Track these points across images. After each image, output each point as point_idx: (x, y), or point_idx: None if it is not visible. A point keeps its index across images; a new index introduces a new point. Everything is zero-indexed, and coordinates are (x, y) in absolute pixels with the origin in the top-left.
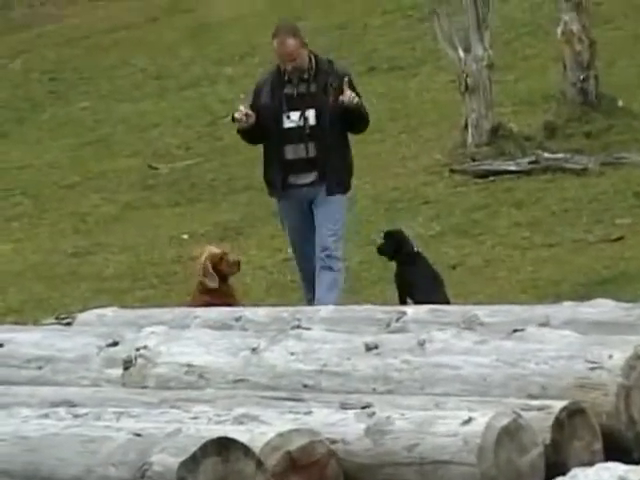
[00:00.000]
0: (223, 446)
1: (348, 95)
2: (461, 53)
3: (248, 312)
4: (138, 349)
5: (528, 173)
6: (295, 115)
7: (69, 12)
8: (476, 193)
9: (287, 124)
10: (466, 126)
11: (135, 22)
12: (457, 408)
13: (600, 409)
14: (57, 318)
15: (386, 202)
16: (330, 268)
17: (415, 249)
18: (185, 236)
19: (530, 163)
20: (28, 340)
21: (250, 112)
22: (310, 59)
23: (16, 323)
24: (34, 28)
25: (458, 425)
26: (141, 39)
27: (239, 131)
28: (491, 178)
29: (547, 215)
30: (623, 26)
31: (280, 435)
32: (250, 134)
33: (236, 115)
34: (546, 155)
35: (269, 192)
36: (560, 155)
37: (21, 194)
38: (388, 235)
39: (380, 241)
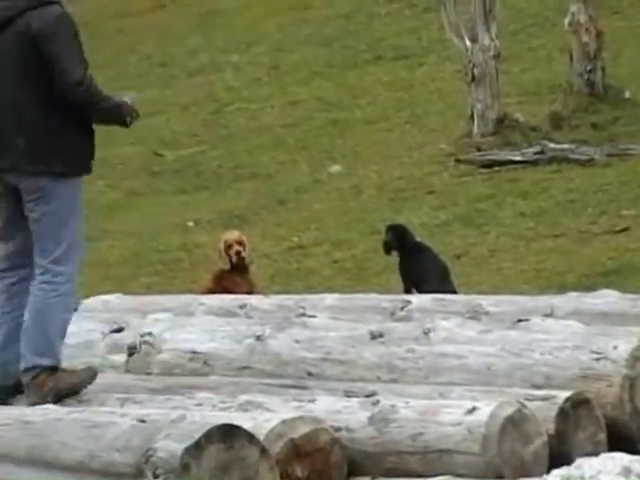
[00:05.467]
0: (227, 433)
1: None
2: (468, 43)
3: (253, 300)
4: (143, 335)
5: (534, 163)
6: None
7: None
8: (481, 183)
9: None
10: (472, 116)
11: (142, 9)
12: (461, 397)
13: (604, 400)
14: None
15: (391, 191)
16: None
17: (418, 240)
18: (190, 223)
19: (536, 153)
20: None
21: None
22: None
23: None
24: None
25: (462, 414)
26: (148, 26)
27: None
28: (496, 168)
29: (552, 206)
30: (630, 17)
31: (284, 422)
32: None
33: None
34: (552, 145)
35: (88, 169)
36: (566, 146)
37: None
38: (390, 229)
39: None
